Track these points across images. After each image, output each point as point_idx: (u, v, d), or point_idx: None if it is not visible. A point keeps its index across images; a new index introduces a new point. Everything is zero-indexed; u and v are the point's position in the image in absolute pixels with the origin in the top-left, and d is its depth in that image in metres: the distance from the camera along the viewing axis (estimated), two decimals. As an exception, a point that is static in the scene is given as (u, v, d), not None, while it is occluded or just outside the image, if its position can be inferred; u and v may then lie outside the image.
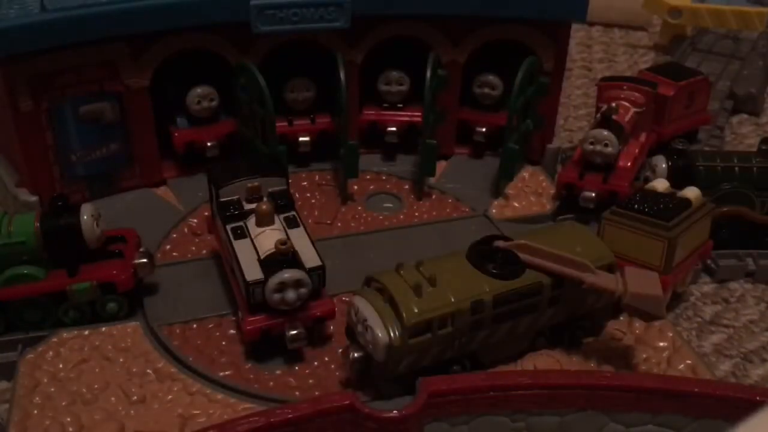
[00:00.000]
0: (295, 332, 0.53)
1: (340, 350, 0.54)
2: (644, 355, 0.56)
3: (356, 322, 0.51)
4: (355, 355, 0.51)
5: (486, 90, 0.77)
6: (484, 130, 0.78)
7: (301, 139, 0.76)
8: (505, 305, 0.52)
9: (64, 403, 0.51)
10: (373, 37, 0.73)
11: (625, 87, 0.75)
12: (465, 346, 0.52)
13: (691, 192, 0.61)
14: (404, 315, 0.48)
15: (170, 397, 0.52)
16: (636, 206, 0.59)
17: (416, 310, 0.49)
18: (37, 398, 0.51)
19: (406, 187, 0.75)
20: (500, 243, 0.54)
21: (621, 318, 0.59)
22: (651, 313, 0.52)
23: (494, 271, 0.52)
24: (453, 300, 0.50)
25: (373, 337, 0.49)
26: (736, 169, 0.69)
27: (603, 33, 1.19)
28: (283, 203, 0.58)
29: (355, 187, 0.74)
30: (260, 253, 0.54)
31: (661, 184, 0.62)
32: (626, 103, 0.73)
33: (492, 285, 0.51)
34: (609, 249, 0.56)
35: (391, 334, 0.48)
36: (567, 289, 0.54)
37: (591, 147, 0.68)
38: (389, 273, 0.51)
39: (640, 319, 0.56)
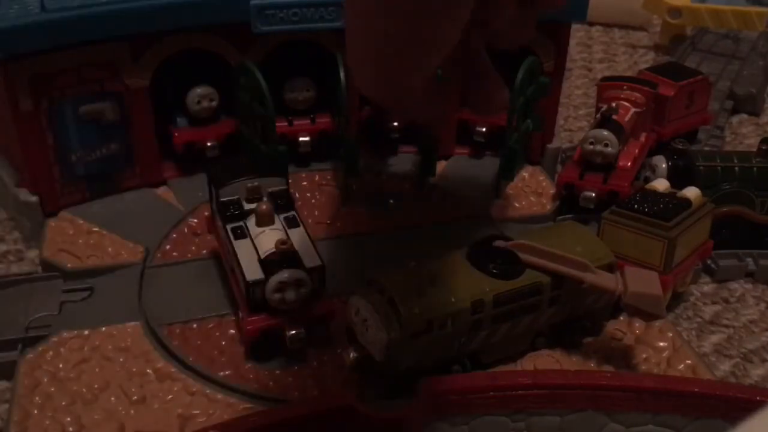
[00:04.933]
0: (295, 332, 0.53)
1: (340, 350, 0.54)
2: (644, 355, 0.56)
3: (356, 322, 0.51)
4: (355, 355, 0.51)
5: (486, 90, 0.77)
6: (484, 130, 0.78)
7: (301, 139, 0.76)
8: (505, 305, 0.52)
9: (64, 403, 0.51)
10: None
11: (625, 87, 0.75)
12: (465, 346, 0.52)
13: (691, 192, 0.61)
14: (404, 315, 0.48)
15: (170, 397, 0.52)
16: (636, 206, 0.59)
17: (416, 310, 0.49)
18: (37, 398, 0.51)
19: (407, 187, 0.75)
20: (500, 243, 0.54)
21: (621, 318, 0.59)
22: (651, 313, 0.52)
23: (494, 270, 0.52)
24: (453, 300, 0.50)
25: (373, 337, 0.49)
26: (736, 169, 0.69)
27: (603, 33, 1.19)
28: (283, 203, 0.58)
29: (355, 187, 0.74)
30: (260, 253, 0.54)
31: (661, 184, 0.62)
32: (626, 103, 0.73)
33: (492, 285, 0.51)
34: (609, 249, 0.56)
35: (391, 334, 0.48)
36: (567, 288, 0.54)
37: (591, 147, 0.68)
38: (389, 273, 0.51)
39: (640, 319, 0.56)
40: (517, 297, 0.52)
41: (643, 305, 0.51)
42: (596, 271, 0.53)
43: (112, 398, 0.51)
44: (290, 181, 0.61)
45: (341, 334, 0.54)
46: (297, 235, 0.56)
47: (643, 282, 0.52)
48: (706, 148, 0.82)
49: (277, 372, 0.54)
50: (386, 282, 0.50)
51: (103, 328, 0.57)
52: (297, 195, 0.71)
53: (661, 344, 0.57)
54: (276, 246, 0.52)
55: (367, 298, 0.50)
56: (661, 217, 0.57)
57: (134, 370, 0.53)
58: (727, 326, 0.62)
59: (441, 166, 0.77)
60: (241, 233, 0.56)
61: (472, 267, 0.52)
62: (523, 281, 0.52)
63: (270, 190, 0.59)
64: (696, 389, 0.46)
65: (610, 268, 0.55)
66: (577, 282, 0.52)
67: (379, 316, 0.49)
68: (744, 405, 0.45)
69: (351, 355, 0.51)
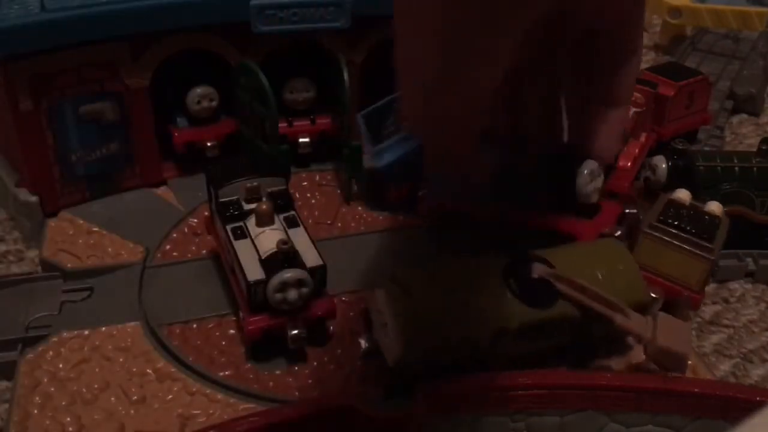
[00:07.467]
0: (296, 332, 0.53)
1: (340, 350, 0.54)
2: (644, 355, 0.56)
3: (376, 315, 0.50)
4: (368, 345, 0.51)
5: (486, 90, 0.77)
6: (484, 130, 0.78)
7: (301, 140, 0.76)
8: (529, 332, 0.50)
9: (64, 403, 0.51)
10: (374, 37, 0.73)
11: (625, 87, 0.75)
12: (479, 358, 0.50)
13: (714, 206, 0.59)
14: (424, 326, 0.47)
15: (170, 397, 0.52)
16: (677, 223, 0.57)
17: (436, 328, 0.47)
18: (37, 398, 0.51)
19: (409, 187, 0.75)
20: (539, 269, 0.51)
21: (621, 318, 0.59)
22: (671, 368, 0.50)
23: (526, 297, 0.49)
24: (477, 324, 0.48)
25: (390, 344, 0.48)
26: (736, 169, 0.68)
27: (603, 33, 1.19)
28: (282, 203, 0.58)
29: (356, 187, 0.74)
30: (261, 253, 0.54)
31: (684, 195, 0.60)
32: (626, 103, 0.73)
33: (520, 311, 0.49)
34: (646, 284, 0.53)
35: (406, 349, 0.47)
36: (593, 321, 0.51)
37: (591, 147, 0.68)
38: (417, 273, 0.50)
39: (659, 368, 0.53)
40: (542, 327, 0.50)
41: (666, 361, 0.49)
42: (629, 313, 0.50)
43: (112, 398, 0.51)
44: (290, 181, 0.61)
45: (342, 334, 0.54)
46: (297, 235, 0.56)
47: (673, 335, 0.49)
48: (706, 148, 0.82)
49: (277, 372, 0.54)
50: (412, 286, 0.48)
51: (103, 328, 0.57)
52: (297, 195, 0.71)
53: (662, 344, 0.57)
54: (277, 246, 0.52)
55: (390, 303, 0.48)
56: (704, 238, 0.56)
57: (134, 370, 0.53)
58: (727, 326, 0.62)
59: (441, 166, 0.77)
60: (241, 233, 0.56)
61: (504, 285, 0.50)
62: (552, 313, 0.49)
63: (270, 190, 0.59)
64: (696, 389, 0.46)
65: (643, 307, 0.52)
66: (607, 320, 0.50)
67: (398, 327, 0.47)
68: (744, 405, 0.45)
69: (364, 344, 0.51)
